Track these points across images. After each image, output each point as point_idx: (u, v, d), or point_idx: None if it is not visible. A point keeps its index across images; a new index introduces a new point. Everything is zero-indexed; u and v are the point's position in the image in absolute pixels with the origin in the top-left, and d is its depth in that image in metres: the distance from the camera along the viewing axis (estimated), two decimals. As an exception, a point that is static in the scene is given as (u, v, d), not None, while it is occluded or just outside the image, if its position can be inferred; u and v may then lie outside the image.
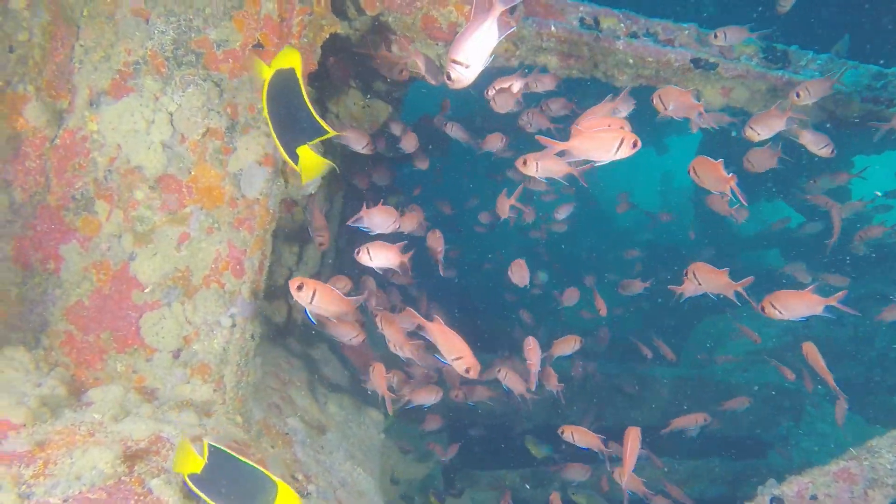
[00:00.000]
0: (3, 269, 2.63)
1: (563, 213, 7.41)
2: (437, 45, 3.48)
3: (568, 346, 4.15)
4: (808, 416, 9.44)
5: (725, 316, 10.75)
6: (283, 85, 2.46)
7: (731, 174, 2.73)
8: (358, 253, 3.03)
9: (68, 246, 2.70)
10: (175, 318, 2.73)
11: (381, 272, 3.23)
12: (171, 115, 2.70)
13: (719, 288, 3.01)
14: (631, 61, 3.70)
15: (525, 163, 3.63)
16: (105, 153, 2.67)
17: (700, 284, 3.07)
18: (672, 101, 2.95)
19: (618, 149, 2.41)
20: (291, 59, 2.53)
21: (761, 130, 3.34)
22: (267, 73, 2.61)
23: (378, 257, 3.04)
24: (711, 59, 3.69)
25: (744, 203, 2.85)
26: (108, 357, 2.70)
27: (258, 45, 2.75)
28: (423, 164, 5.65)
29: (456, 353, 2.46)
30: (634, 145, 2.44)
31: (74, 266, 2.70)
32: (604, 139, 2.41)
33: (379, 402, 4.89)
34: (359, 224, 3.20)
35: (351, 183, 6.28)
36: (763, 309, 2.81)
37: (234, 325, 2.73)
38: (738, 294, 2.96)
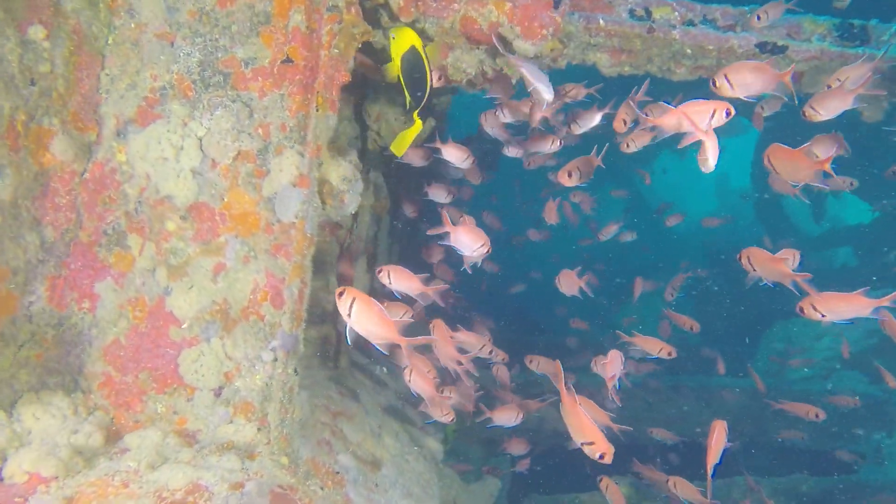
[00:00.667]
0: (38, 310, 2.52)
1: (607, 234, 7.31)
2: (479, 49, 3.26)
3: (654, 347, 3.97)
4: (903, 425, 8.69)
5: (800, 319, 10.06)
6: (412, 58, 2.68)
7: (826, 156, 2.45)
8: (379, 272, 2.90)
9: (103, 283, 2.58)
10: (215, 355, 2.57)
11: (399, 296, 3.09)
12: (200, 140, 2.56)
13: (775, 276, 2.87)
14: (689, 51, 3.39)
15: (570, 175, 3.49)
16: (135, 184, 2.55)
17: (755, 271, 2.92)
18: (746, 78, 2.55)
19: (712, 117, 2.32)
20: (410, 38, 2.70)
21: (824, 111, 2.91)
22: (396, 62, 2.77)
23: (398, 282, 2.91)
24: (780, 43, 3.35)
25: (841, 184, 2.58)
26: (148, 398, 2.56)
27: (287, 60, 2.59)
28: (475, 179, 5.54)
29: (588, 437, 2.29)
30: (728, 113, 2.35)
31: (110, 304, 2.58)
32: (700, 108, 2.33)
33: (440, 427, 4.65)
34: (446, 242, 3.14)
35: (400, 200, 6.12)
36: (802, 310, 2.70)
37: (275, 360, 2.55)
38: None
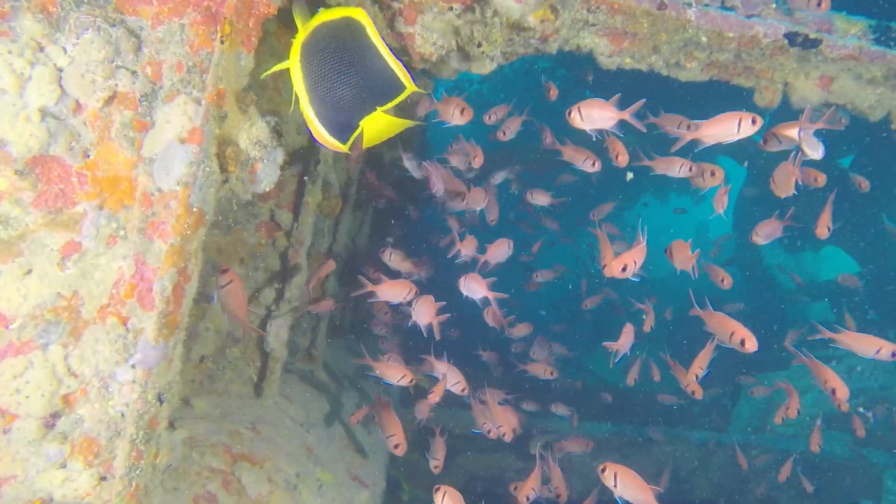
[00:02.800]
0: None
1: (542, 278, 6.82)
2: (453, 9, 2.65)
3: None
4: (888, 492, 8.15)
5: (790, 371, 9.53)
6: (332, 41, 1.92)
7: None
8: None
9: None
10: (50, 368, 1.83)
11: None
12: (60, 71, 1.87)
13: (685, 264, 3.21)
14: (705, 39, 2.82)
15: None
16: (-41, 123, 1.84)
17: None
18: (593, 113, 2.81)
19: (739, 128, 2.59)
20: (346, 11, 1.95)
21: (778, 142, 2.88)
22: (300, 37, 1.96)
23: None
24: (812, 35, 2.80)
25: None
26: (-50, 425, 1.81)
27: (192, -22, 1.93)
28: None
29: None
30: (754, 122, 2.57)
31: None
32: (726, 120, 2.60)
33: (379, 477, 3.91)
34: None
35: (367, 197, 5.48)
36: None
37: (133, 381, 1.82)
38: None
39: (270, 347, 3.52)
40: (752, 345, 2.73)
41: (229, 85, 1.93)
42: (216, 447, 2.58)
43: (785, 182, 3.33)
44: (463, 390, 3.25)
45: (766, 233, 3.84)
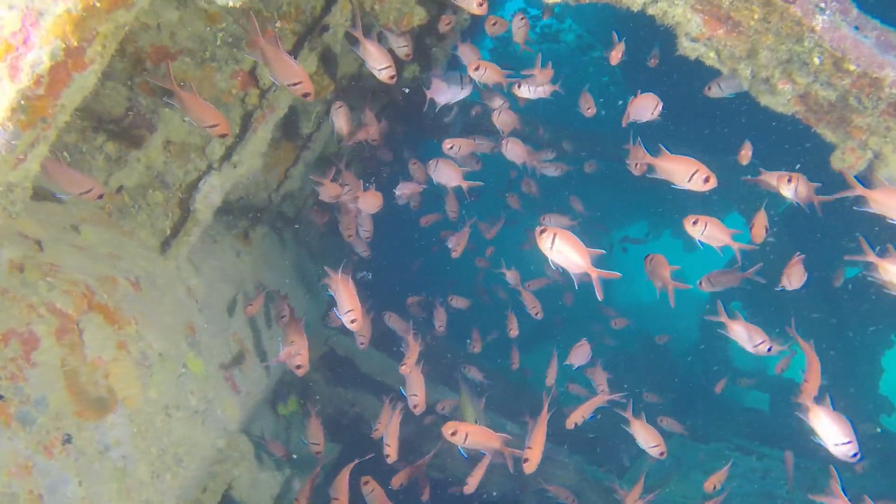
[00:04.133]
0: None
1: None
2: None
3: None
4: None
5: (710, 446, 9.18)
6: None
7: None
8: None
9: None
10: None
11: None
12: None
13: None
14: (817, 60, 2.34)
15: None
16: None
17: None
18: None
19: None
20: None
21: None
22: None
23: None
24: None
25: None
26: None
27: None
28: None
29: None
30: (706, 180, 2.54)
31: None
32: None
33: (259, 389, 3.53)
34: None
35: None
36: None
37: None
38: None
39: (195, 206, 3.05)
40: None
41: None
42: (74, 286, 2.13)
43: (797, 277, 3.25)
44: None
45: (719, 281, 3.46)
